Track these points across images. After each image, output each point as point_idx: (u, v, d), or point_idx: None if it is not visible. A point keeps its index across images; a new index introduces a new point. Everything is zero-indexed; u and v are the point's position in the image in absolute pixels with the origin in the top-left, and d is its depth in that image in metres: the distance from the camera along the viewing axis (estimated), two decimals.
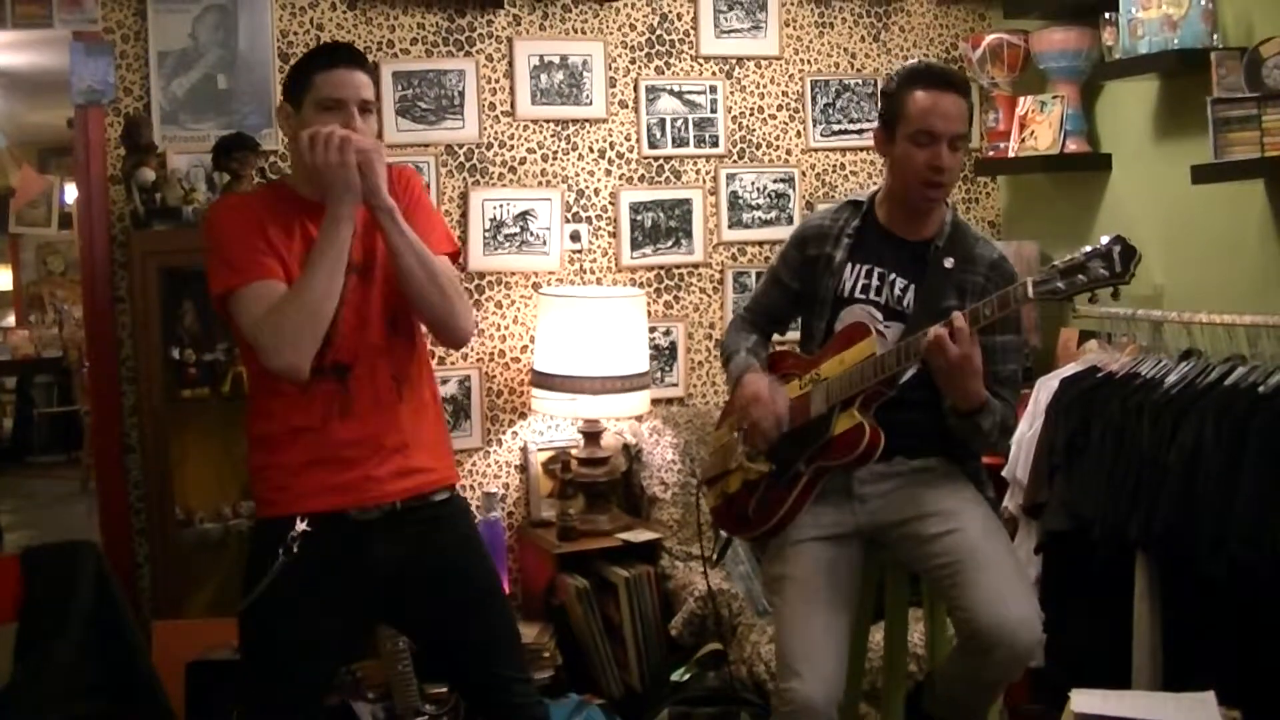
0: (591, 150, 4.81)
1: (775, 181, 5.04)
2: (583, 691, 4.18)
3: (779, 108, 5.05)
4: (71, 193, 9.07)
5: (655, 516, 4.56)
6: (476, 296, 4.67)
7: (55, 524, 7.83)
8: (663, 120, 4.88)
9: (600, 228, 4.83)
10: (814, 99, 5.09)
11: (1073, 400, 3.95)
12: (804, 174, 5.09)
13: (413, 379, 2.86)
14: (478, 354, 4.69)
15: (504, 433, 4.75)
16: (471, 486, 4.66)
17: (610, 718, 4.05)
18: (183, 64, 4.31)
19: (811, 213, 4.87)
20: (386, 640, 3.84)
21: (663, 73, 4.88)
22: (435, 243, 2.80)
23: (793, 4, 5.04)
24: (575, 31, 4.77)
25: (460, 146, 4.63)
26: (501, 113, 4.69)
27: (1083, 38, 4.55)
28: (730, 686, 3.95)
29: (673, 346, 4.94)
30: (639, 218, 4.86)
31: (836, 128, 5.12)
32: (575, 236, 4.80)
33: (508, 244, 4.69)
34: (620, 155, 4.84)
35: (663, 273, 4.92)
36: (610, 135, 4.83)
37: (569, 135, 4.78)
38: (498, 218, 4.67)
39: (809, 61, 5.08)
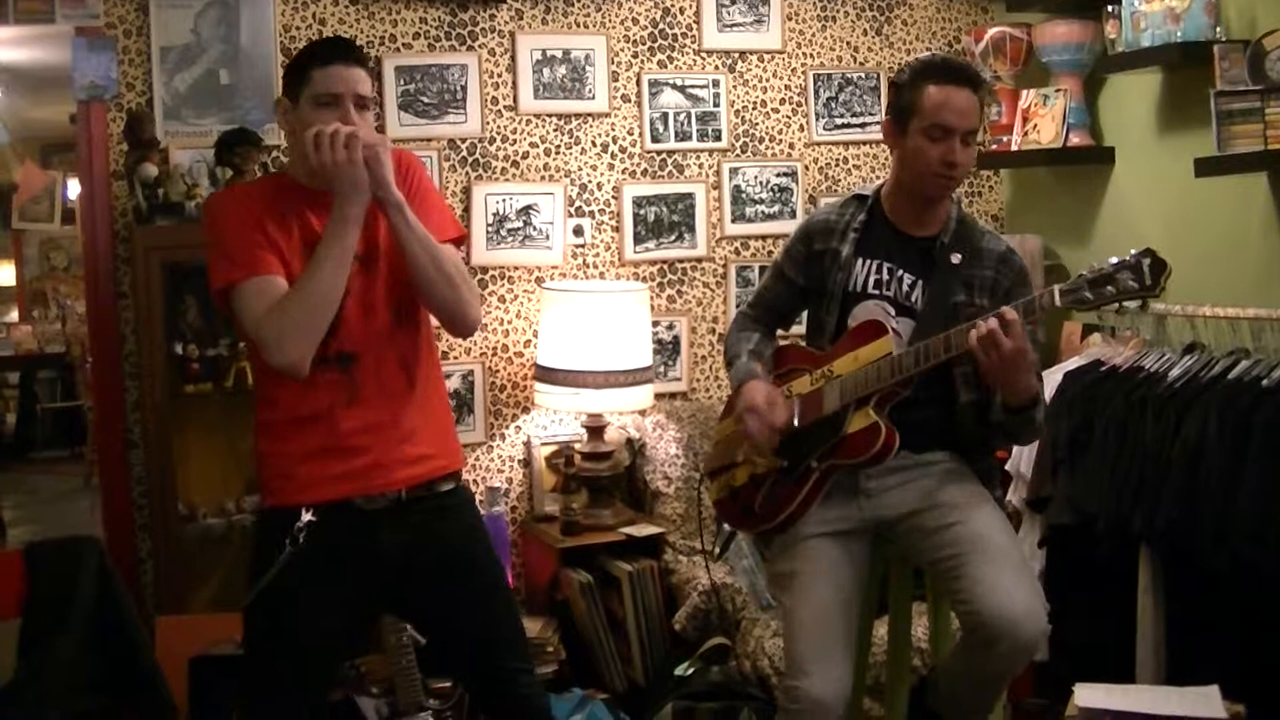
0: (594, 144, 4.80)
1: (778, 175, 5.04)
2: (586, 686, 4.18)
3: (781, 101, 5.05)
4: (74, 188, 9.05)
5: (658, 511, 4.56)
6: (480, 291, 4.67)
7: (58, 519, 7.84)
8: (665, 114, 4.88)
9: (603, 222, 4.83)
10: (817, 93, 5.08)
11: (1076, 394, 3.94)
12: (807, 168, 5.08)
13: (419, 366, 2.86)
14: (481, 348, 4.69)
15: (507, 427, 4.74)
16: (475, 481, 4.66)
17: (614, 712, 4.05)
18: (185, 59, 4.31)
19: (815, 207, 4.90)
20: (390, 635, 3.84)
21: (665, 67, 4.88)
22: (438, 229, 2.79)
23: None
24: (578, 25, 4.76)
25: (463, 141, 4.63)
26: (504, 107, 4.68)
27: (1085, 31, 4.54)
28: (734, 681, 3.96)
29: (676, 341, 4.94)
30: (642, 212, 4.86)
31: (839, 121, 5.12)
32: (578, 231, 4.80)
33: (511, 238, 4.68)
34: (623, 149, 4.84)
35: (666, 267, 4.92)
36: (613, 129, 4.83)
37: (572, 129, 4.77)
38: (501, 212, 4.66)
39: (811, 55, 5.08)
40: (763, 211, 5.02)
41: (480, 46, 4.64)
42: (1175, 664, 3.67)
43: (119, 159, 4.21)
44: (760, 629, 4.05)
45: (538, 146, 4.73)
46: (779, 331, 3.40)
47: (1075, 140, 4.65)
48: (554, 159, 4.75)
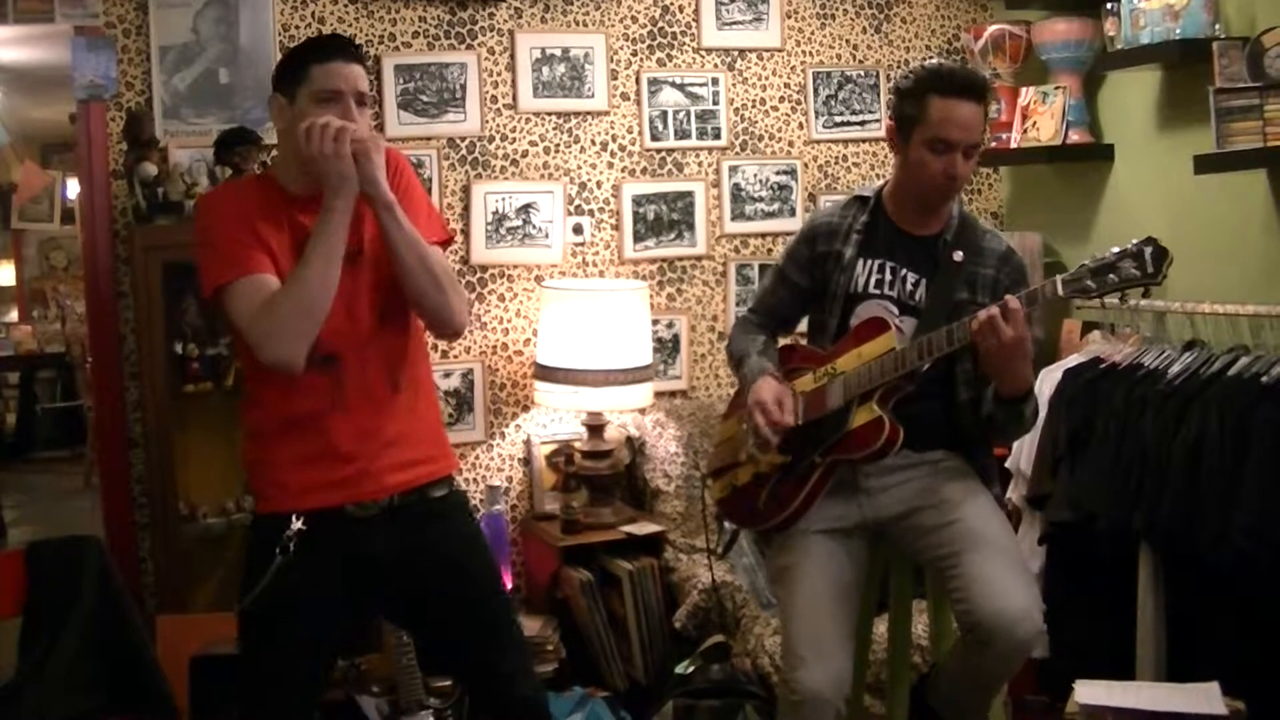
0: (594, 143, 4.80)
1: (778, 173, 5.04)
2: (587, 685, 4.19)
3: (781, 99, 5.05)
4: (74, 188, 9.10)
5: (659, 509, 4.57)
6: (479, 289, 4.67)
7: (59, 519, 7.83)
8: (665, 112, 4.88)
9: (603, 220, 4.83)
10: (816, 91, 5.08)
11: (1076, 392, 3.94)
12: (806, 166, 5.08)
13: (406, 369, 2.83)
14: (480, 347, 4.69)
15: (507, 426, 4.75)
16: (474, 480, 4.66)
17: (614, 711, 4.06)
18: (184, 58, 4.31)
19: (815, 205, 4.91)
20: (390, 634, 3.84)
21: (664, 65, 4.88)
22: (426, 230, 2.78)
23: None
24: (577, 24, 4.76)
25: (462, 140, 4.63)
26: (503, 105, 4.69)
27: (1085, 28, 4.55)
28: (734, 679, 3.95)
29: (675, 339, 4.94)
30: (641, 210, 4.86)
31: (839, 119, 5.12)
32: (578, 229, 4.80)
33: (510, 237, 4.68)
34: (622, 148, 4.84)
35: (665, 265, 4.92)
36: (612, 128, 4.83)
37: (571, 128, 4.77)
38: (500, 211, 4.66)
39: (811, 53, 5.08)
40: (762, 209, 5.02)
41: (479, 45, 4.64)
42: (1176, 661, 3.67)
43: (118, 158, 4.21)
44: (760, 627, 4.05)
45: (537, 145, 4.73)
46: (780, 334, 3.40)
47: (1074, 138, 4.65)
48: (553, 157, 4.75)
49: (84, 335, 7.82)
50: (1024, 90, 4.79)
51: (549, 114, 4.74)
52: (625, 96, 4.84)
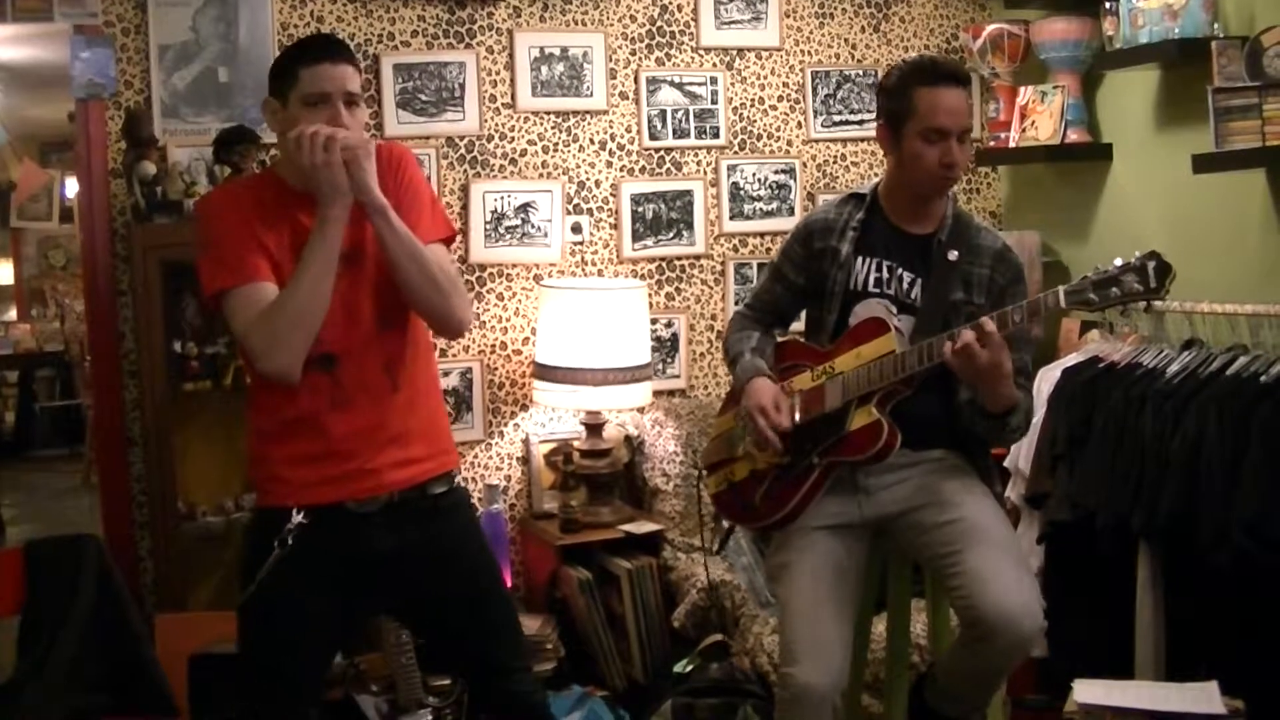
0: (592, 142, 4.80)
1: (776, 173, 5.04)
2: (585, 683, 4.19)
3: (779, 99, 5.05)
4: (73, 187, 9.09)
5: (657, 508, 4.57)
6: (478, 289, 4.67)
7: (57, 518, 7.84)
8: (663, 112, 4.88)
9: (601, 219, 4.83)
10: (814, 90, 5.08)
11: (1075, 391, 3.94)
12: (805, 165, 5.08)
13: (406, 367, 2.83)
14: (479, 346, 4.69)
15: (505, 425, 4.75)
16: (473, 479, 4.66)
17: (613, 709, 4.06)
18: (183, 57, 4.31)
19: (813, 204, 4.91)
20: (390, 633, 3.84)
21: (663, 64, 4.88)
22: (427, 229, 2.78)
23: None
24: (575, 23, 4.76)
25: (461, 139, 4.63)
26: (502, 105, 4.69)
27: (1083, 27, 4.54)
28: (733, 678, 3.96)
29: (674, 338, 4.94)
30: (640, 209, 4.86)
31: (837, 119, 5.12)
32: (576, 228, 4.80)
33: (509, 236, 4.69)
34: (621, 147, 4.84)
35: (664, 264, 4.92)
36: (611, 127, 4.83)
37: (570, 127, 4.77)
38: (499, 210, 4.66)
39: (809, 52, 5.08)
40: (761, 209, 5.02)
41: (478, 44, 4.64)
42: (1174, 660, 3.67)
43: (117, 157, 4.21)
44: (759, 626, 4.05)
45: (536, 144, 4.73)
46: (776, 331, 3.40)
47: (1073, 137, 4.65)
48: (552, 156, 4.75)
49: (83, 334, 7.85)
50: (1023, 89, 4.79)
51: (548, 113, 4.74)
52: (624, 95, 4.84)
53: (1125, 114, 4.59)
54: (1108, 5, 4.32)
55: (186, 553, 4.15)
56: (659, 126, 4.88)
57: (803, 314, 3.32)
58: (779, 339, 3.34)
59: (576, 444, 4.60)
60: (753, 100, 5.01)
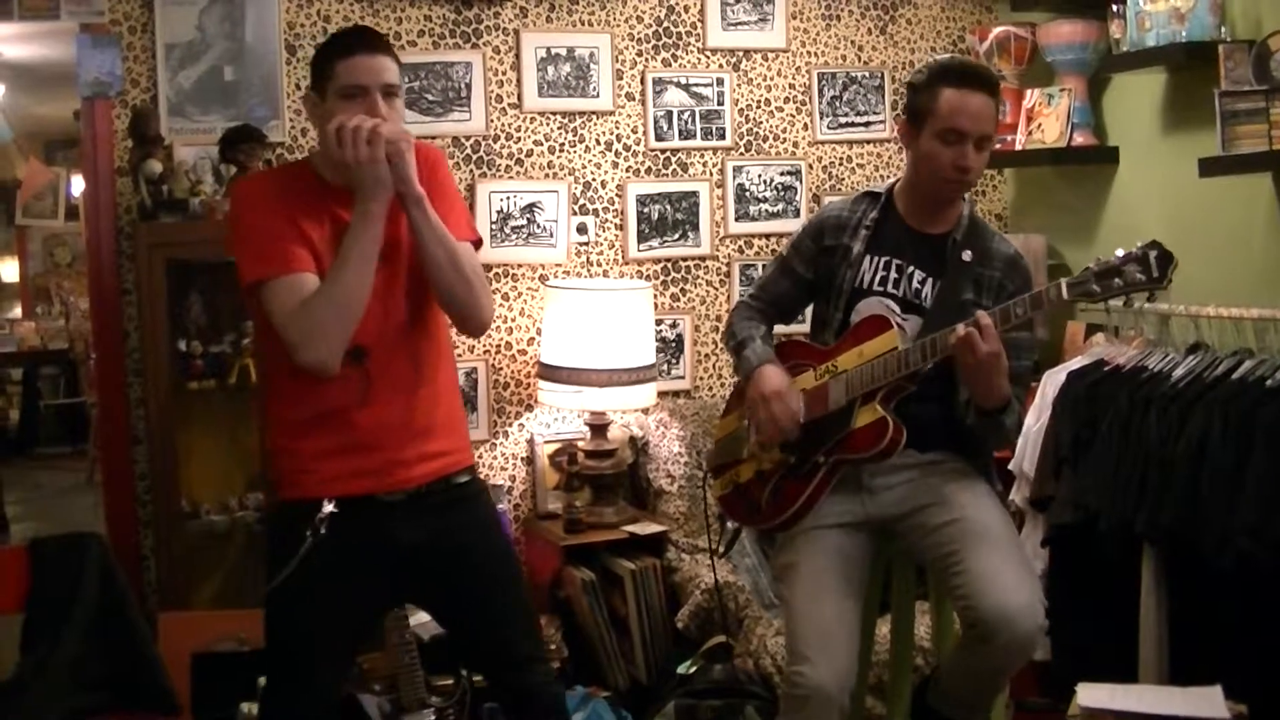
0: (598, 142, 4.80)
1: (782, 174, 5.04)
2: (589, 684, 4.18)
3: (786, 100, 5.05)
4: (78, 185, 9.11)
5: (661, 509, 4.57)
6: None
7: (61, 516, 7.85)
8: (669, 112, 4.88)
9: (607, 220, 4.83)
10: (821, 91, 5.08)
11: (1080, 394, 3.94)
12: (811, 167, 5.08)
13: (432, 362, 2.85)
14: (484, 346, 4.69)
15: (510, 425, 4.75)
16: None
17: (616, 710, 4.05)
18: (189, 56, 4.31)
19: (819, 206, 4.90)
20: (393, 632, 3.84)
21: (669, 65, 4.88)
22: (457, 229, 2.78)
23: None
24: (582, 24, 4.76)
25: (467, 139, 4.63)
26: (508, 105, 4.69)
27: (1090, 30, 4.54)
28: (736, 679, 3.95)
29: (679, 339, 4.94)
30: (646, 210, 4.86)
31: (843, 120, 5.12)
32: (582, 229, 4.80)
33: (515, 236, 4.69)
34: (627, 147, 4.84)
35: (669, 265, 4.92)
36: (617, 128, 4.83)
37: (576, 127, 4.77)
38: (505, 210, 4.67)
39: (816, 54, 5.08)
40: (766, 210, 5.02)
41: (485, 44, 4.64)
42: (1178, 664, 3.66)
43: (123, 155, 4.22)
44: (763, 627, 4.05)
45: (542, 144, 4.73)
46: (777, 327, 3.38)
47: (1079, 140, 4.64)
48: (558, 157, 4.75)
49: (87, 332, 7.85)
50: (1029, 92, 4.79)
51: (554, 113, 4.75)
52: (630, 96, 4.84)
53: (1132, 117, 4.58)
54: (1114, 8, 4.32)
55: (190, 551, 4.15)
56: (665, 127, 4.87)
57: (808, 312, 3.32)
58: (780, 339, 3.33)
59: (581, 444, 4.60)
60: (759, 102, 5.01)
